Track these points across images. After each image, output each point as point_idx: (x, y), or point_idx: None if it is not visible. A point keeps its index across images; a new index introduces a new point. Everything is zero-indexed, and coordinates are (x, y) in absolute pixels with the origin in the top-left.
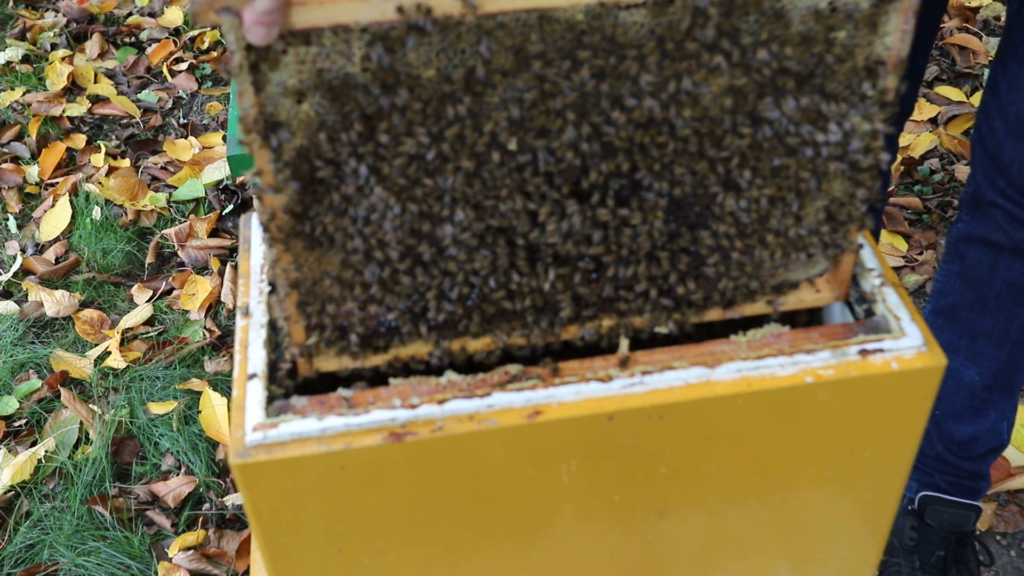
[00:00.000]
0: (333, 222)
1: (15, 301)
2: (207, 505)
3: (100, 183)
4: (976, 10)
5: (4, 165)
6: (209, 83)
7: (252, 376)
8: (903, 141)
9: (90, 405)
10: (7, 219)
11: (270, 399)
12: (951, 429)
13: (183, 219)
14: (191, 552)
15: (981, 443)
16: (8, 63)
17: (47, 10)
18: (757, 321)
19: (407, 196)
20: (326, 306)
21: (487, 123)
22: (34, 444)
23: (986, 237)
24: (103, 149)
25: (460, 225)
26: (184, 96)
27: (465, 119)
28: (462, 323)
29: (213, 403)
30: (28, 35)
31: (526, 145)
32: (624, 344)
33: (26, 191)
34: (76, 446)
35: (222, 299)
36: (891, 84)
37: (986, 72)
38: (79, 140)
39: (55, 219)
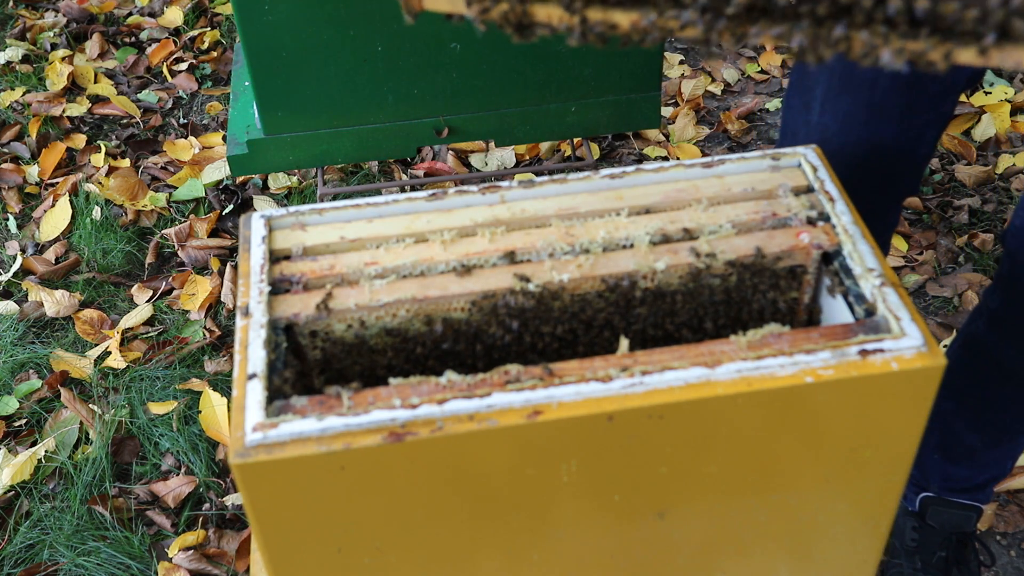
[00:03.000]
0: None
1: (15, 301)
2: (207, 505)
3: (100, 183)
4: None
5: (4, 165)
6: (209, 83)
7: (252, 376)
8: None
9: (90, 405)
10: (7, 219)
11: (270, 399)
12: (948, 470)
13: (183, 219)
14: (191, 552)
15: (982, 475)
16: (8, 63)
17: (47, 10)
18: (757, 321)
19: None
20: None
21: None
22: (34, 444)
23: (1000, 363)
24: (103, 149)
25: None
26: (184, 96)
27: None
28: None
29: (213, 403)
30: (28, 35)
31: None
32: (624, 344)
33: (26, 191)
34: (76, 446)
35: (222, 299)
36: None
37: (988, 72)
38: (79, 140)
39: (55, 219)
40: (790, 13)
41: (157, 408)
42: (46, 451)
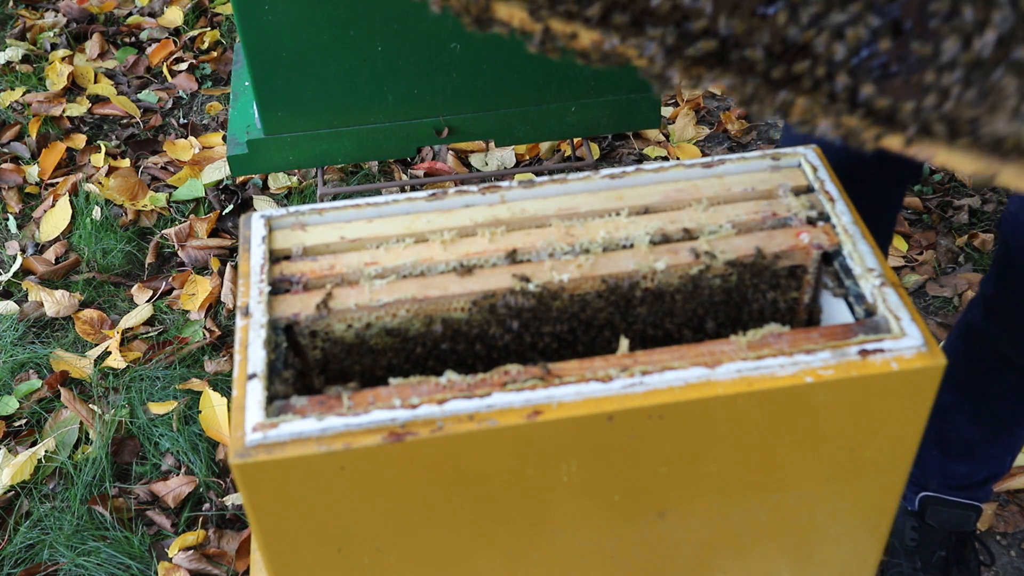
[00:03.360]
0: None
1: (15, 301)
2: (207, 505)
3: (100, 183)
4: None
5: (4, 165)
6: (209, 83)
7: (252, 376)
8: None
9: (90, 405)
10: (7, 219)
11: (270, 399)
12: (948, 467)
13: (183, 219)
14: (191, 552)
15: (981, 472)
16: (8, 63)
17: (47, 10)
18: (757, 321)
19: None
20: None
21: None
22: (34, 444)
23: (997, 350)
24: (103, 149)
25: None
26: (184, 96)
27: None
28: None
29: (213, 403)
30: (28, 35)
31: None
32: (624, 344)
33: (26, 191)
34: (76, 446)
35: (222, 299)
36: None
37: None
38: (79, 140)
39: (55, 219)
40: (745, 68)
41: (157, 408)
42: (46, 451)
